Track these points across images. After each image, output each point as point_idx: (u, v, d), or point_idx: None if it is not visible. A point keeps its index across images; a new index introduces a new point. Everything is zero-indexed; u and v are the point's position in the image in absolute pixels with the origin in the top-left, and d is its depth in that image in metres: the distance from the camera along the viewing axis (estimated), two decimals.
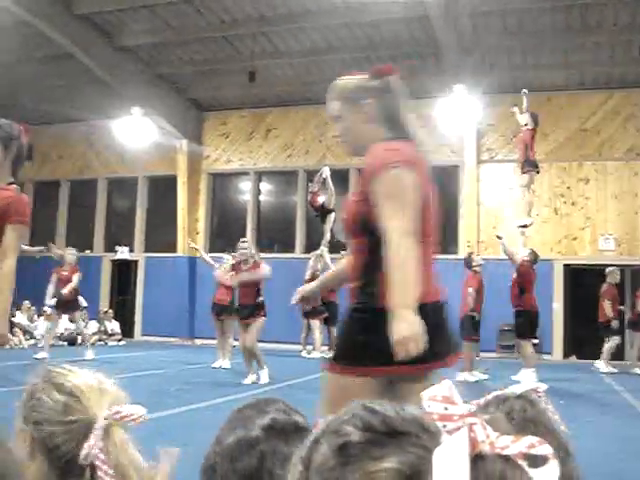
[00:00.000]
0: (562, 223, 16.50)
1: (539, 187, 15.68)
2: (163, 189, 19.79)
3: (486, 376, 11.21)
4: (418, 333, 2.46)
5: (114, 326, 18.41)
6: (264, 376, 10.10)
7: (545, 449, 0.73)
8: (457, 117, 15.98)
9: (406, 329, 2.45)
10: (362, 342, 2.73)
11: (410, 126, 2.96)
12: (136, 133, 17.98)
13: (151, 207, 20.15)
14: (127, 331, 19.07)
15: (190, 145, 18.96)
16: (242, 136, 19.18)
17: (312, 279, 11.99)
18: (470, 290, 11.18)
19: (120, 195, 20.99)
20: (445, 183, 17.78)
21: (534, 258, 11.52)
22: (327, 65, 16.29)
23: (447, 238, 17.64)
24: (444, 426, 0.75)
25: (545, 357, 15.20)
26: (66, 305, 12.78)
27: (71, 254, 13.20)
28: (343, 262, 3.35)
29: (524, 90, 12.76)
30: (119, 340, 18.08)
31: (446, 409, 0.76)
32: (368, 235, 2.75)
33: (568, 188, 16.65)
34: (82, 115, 17.81)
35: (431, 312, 2.74)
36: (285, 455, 1.19)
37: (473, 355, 11.36)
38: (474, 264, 11.45)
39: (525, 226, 12.74)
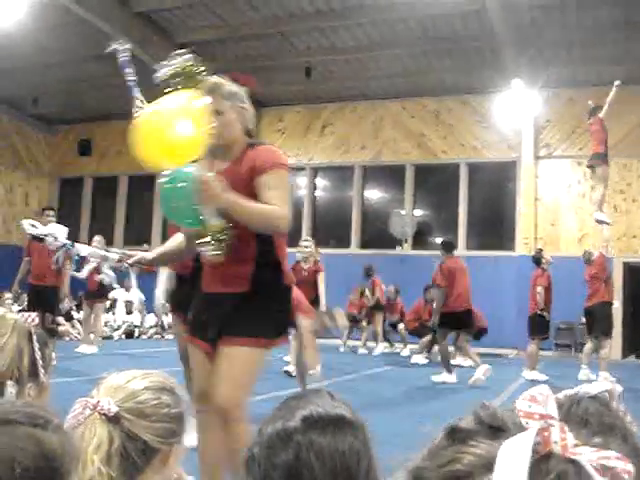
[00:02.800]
0: (622, 220, 16.21)
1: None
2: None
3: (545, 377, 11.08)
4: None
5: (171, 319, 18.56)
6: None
7: (624, 466, 0.72)
8: (515, 112, 15.80)
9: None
10: (273, 316, 3.28)
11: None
12: None
13: None
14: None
15: None
16: (298, 132, 19.24)
17: None
18: (539, 289, 11.03)
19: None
20: (502, 179, 17.64)
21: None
22: (383, 60, 16.25)
23: (504, 235, 17.50)
24: (526, 423, 0.76)
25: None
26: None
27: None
28: (177, 238, 3.59)
29: (617, 82, 12.40)
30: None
31: (529, 407, 0.78)
32: None
33: (628, 185, 16.36)
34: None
35: (286, 293, 3.38)
36: (323, 448, 1.19)
37: (538, 354, 11.26)
38: (544, 261, 11.28)
39: (603, 222, 12.43)
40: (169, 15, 14.96)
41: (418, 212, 18.28)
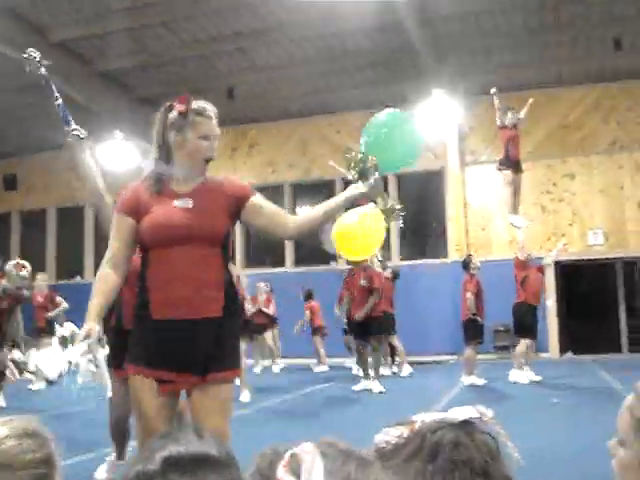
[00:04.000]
0: (550, 220, 16.53)
1: (525, 186, 15.71)
2: None
3: (484, 380, 11.19)
4: None
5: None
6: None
7: None
8: (438, 121, 15.98)
9: None
10: (237, 346, 3.31)
11: None
12: (119, 156, 17.93)
13: None
14: None
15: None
16: (225, 153, 19.15)
17: None
18: (469, 294, 11.12)
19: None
20: (431, 188, 17.83)
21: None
22: (305, 77, 16.31)
23: (436, 242, 17.68)
24: None
25: (542, 355, 15.19)
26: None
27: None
28: (107, 276, 3.29)
29: (492, 89, 12.79)
30: None
31: (283, 475, 0.76)
32: (223, 248, 3.24)
33: (554, 185, 16.69)
34: (62, 142, 17.71)
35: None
36: None
37: (476, 358, 11.37)
38: (472, 267, 11.38)
39: (517, 226, 12.69)
40: (87, 44, 14.77)
41: None
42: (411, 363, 13.68)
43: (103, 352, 3.29)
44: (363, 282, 10.93)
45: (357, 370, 13.81)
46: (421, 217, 17.97)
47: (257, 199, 3.37)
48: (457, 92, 15.68)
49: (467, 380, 11.02)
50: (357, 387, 10.86)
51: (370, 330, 10.93)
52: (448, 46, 14.78)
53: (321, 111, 18.08)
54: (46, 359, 12.14)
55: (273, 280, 15.82)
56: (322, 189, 18.46)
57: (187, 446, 1.17)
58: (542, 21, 14.17)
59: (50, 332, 13.06)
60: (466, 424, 1.17)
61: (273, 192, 18.99)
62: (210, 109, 3.45)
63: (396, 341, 13.43)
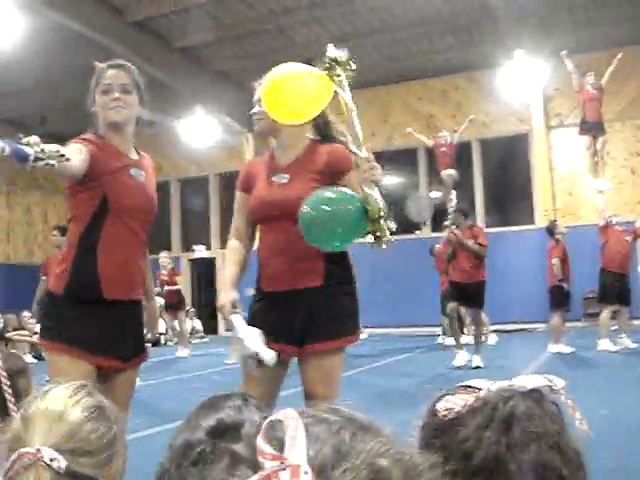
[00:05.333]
0: (639, 183, 15.99)
1: (614, 148, 15.23)
2: (234, 184, 19.85)
3: (571, 349, 10.94)
4: None
5: (196, 324, 18.68)
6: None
7: None
8: (522, 84, 15.59)
9: None
10: (353, 314, 3.23)
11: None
12: (201, 132, 18.15)
13: (223, 203, 20.33)
14: (210, 328, 19.38)
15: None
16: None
17: None
18: (554, 260, 10.86)
19: (192, 194, 21.26)
20: (515, 153, 17.45)
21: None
22: (385, 45, 16.12)
23: (521, 209, 17.32)
24: (262, 463, 0.67)
25: (635, 322, 14.75)
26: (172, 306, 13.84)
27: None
28: (235, 248, 3.38)
29: (563, 52, 12.39)
30: (202, 337, 18.34)
31: (264, 445, 0.68)
32: None
33: None
34: (146, 120, 18.01)
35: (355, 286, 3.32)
36: (234, 459, 1.08)
37: (564, 326, 11.12)
38: (557, 232, 11.10)
39: (599, 190, 12.39)
40: (165, 21, 14.89)
41: (434, 194, 18.12)
42: (497, 332, 13.48)
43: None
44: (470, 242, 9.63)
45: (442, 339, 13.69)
46: (507, 183, 17.63)
47: (351, 177, 3.18)
48: (541, 53, 15.23)
49: (554, 348, 10.79)
50: (456, 362, 9.60)
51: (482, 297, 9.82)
52: (529, 6, 14.33)
53: (401, 78, 17.86)
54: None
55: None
56: (405, 157, 18.30)
57: (231, 414, 1.18)
58: None
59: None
60: (535, 393, 1.10)
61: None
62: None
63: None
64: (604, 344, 10.95)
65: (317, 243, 2.95)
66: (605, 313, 11.19)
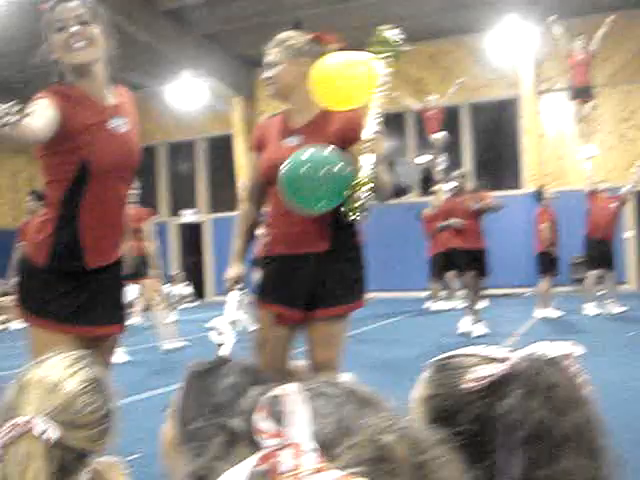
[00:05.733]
0: (629, 149, 15.96)
1: (603, 113, 15.21)
2: (222, 148, 19.79)
3: (559, 313, 11.00)
4: None
5: (185, 289, 18.70)
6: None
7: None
8: (512, 48, 15.51)
9: None
10: (359, 279, 3.25)
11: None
12: (189, 96, 18.00)
13: (211, 168, 20.25)
14: (199, 292, 19.41)
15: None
16: None
17: None
18: (543, 226, 10.88)
19: (180, 159, 21.12)
20: (504, 117, 17.39)
21: None
22: (373, 8, 15.94)
23: (510, 174, 17.31)
24: (261, 441, 0.63)
25: (620, 287, 14.84)
26: None
27: None
28: (248, 213, 3.46)
29: (551, 17, 12.35)
30: (191, 301, 18.38)
31: (262, 422, 0.65)
32: None
33: (632, 112, 16.09)
34: (134, 83, 17.86)
35: (362, 251, 3.33)
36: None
37: (551, 291, 11.15)
38: (545, 197, 11.10)
39: (586, 157, 12.43)
40: None
41: (423, 158, 18.08)
42: (484, 297, 13.53)
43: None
44: (475, 205, 9.36)
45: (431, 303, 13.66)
46: (495, 147, 17.60)
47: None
48: (532, 16, 15.11)
49: (540, 313, 10.85)
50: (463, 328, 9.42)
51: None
52: None
53: None
54: None
55: None
56: (393, 122, 18.20)
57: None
58: None
59: None
60: (559, 361, 1.12)
61: None
62: None
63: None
64: (589, 308, 11.05)
65: (298, 202, 2.95)
66: (590, 278, 11.27)
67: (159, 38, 15.82)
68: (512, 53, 15.77)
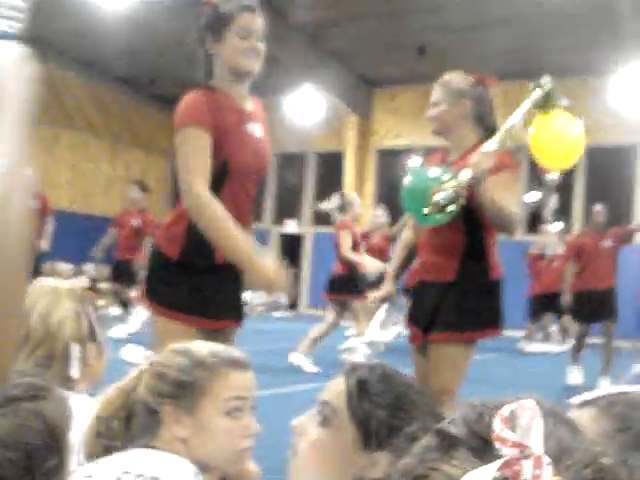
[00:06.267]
0: None
1: None
2: (332, 164, 19.96)
3: None
4: None
5: (281, 297, 18.86)
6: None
7: None
8: (635, 93, 15.16)
9: None
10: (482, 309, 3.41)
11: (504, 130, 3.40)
12: (306, 109, 18.24)
13: (319, 182, 20.42)
14: (293, 303, 19.58)
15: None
16: (411, 112, 19.00)
17: None
18: None
19: (289, 170, 21.38)
20: (620, 164, 16.98)
21: None
22: (498, 40, 15.82)
23: (621, 222, 16.85)
24: (500, 449, 0.66)
25: None
26: None
27: None
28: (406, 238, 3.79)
29: None
30: (284, 310, 18.56)
31: (502, 430, 0.67)
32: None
33: None
34: (254, 91, 18.21)
35: (495, 287, 3.56)
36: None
37: None
38: None
39: None
40: None
41: (533, 196, 17.83)
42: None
43: None
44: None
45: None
46: (608, 194, 17.19)
47: (502, 178, 3.35)
48: None
49: (637, 369, 10.54)
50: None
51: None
52: None
53: (512, 75, 17.53)
54: None
55: None
56: None
57: None
58: None
59: None
60: None
61: None
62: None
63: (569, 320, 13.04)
64: None
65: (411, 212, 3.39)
66: None
67: (285, 50, 16.10)
68: (635, 98, 15.38)
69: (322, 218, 19.91)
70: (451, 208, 3.12)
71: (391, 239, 10.12)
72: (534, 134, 3.54)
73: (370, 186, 19.44)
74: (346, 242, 8.69)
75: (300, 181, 20.86)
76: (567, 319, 13.09)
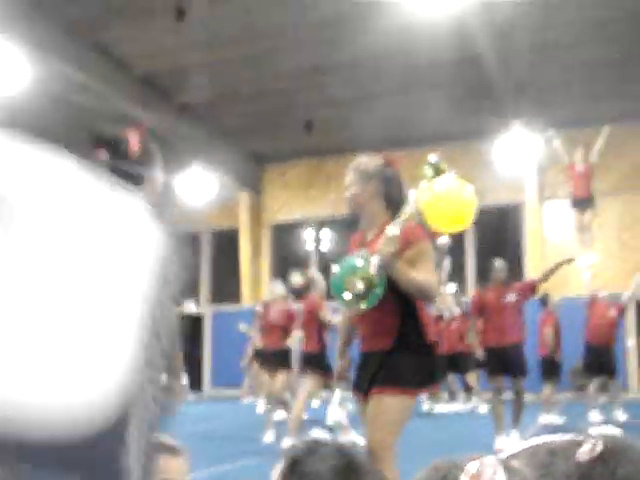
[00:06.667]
0: (630, 257, 16.10)
1: (605, 221, 15.39)
2: (226, 241, 19.95)
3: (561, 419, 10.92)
4: None
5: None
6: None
7: None
8: (516, 155, 15.82)
9: None
10: (416, 367, 3.61)
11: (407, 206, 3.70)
12: (197, 187, 18.24)
13: (215, 260, 20.35)
14: (194, 385, 19.20)
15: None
16: (302, 186, 19.28)
17: None
18: (547, 331, 10.94)
19: (184, 250, 21.20)
20: (507, 223, 17.58)
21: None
22: (382, 111, 16.30)
23: (513, 279, 17.37)
24: None
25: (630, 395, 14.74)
26: None
27: None
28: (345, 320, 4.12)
29: (549, 132, 12.67)
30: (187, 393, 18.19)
31: None
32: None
33: (634, 221, 16.30)
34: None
35: (429, 348, 3.73)
36: None
37: (555, 397, 11.12)
38: (550, 303, 11.22)
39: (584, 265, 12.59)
40: (168, 77, 15.09)
41: None
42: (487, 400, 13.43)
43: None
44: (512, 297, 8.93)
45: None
46: (498, 253, 17.71)
47: (413, 253, 3.62)
48: (536, 125, 15.47)
49: (545, 419, 10.78)
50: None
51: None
52: (528, 78, 14.61)
53: (399, 144, 18.04)
54: None
55: None
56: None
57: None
58: (625, 54, 13.90)
59: None
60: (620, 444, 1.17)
61: (350, 226, 18.98)
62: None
63: (473, 378, 13.27)
64: (593, 415, 10.96)
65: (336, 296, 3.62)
66: (592, 386, 11.21)
67: (174, 131, 16.17)
68: (517, 160, 16.06)
69: (221, 297, 19.83)
70: (371, 295, 3.41)
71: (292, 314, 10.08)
72: (426, 200, 3.77)
73: (266, 261, 19.51)
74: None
75: (196, 261, 20.73)
76: (471, 377, 13.37)
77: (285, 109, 16.43)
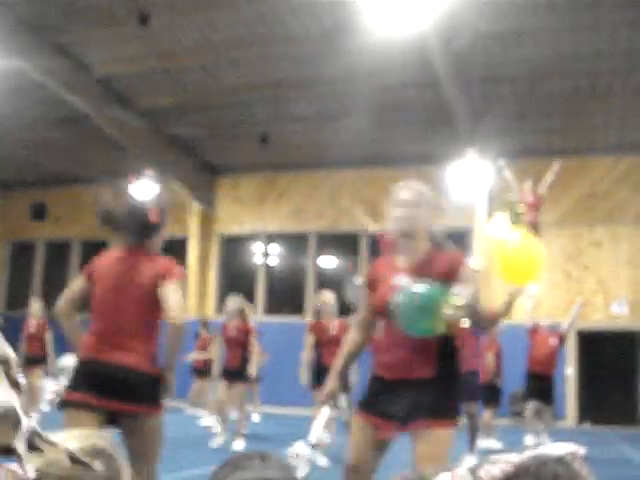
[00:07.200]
0: (573, 287, 16.40)
1: (551, 252, 15.64)
2: (175, 250, 19.78)
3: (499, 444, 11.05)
4: None
5: None
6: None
7: None
8: (469, 182, 16.02)
9: None
10: (454, 399, 3.63)
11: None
12: (147, 195, 18.09)
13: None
14: None
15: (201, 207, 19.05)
16: (254, 199, 19.24)
17: None
18: (489, 356, 11.06)
19: None
20: (456, 247, 17.79)
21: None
22: (339, 130, 16.38)
23: None
24: None
25: (559, 423, 14.95)
26: None
27: None
28: (354, 340, 3.91)
29: (501, 162, 12.91)
30: None
31: None
32: None
33: (580, 252, 16.61)
34: (93, 177, 17.97)
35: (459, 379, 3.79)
36: None
37: (494, 422, 11.26)
38: (492, 330, 11.32)
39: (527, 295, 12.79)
40: (129, 82, 15.00)
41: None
42: None
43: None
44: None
45: None
46: None
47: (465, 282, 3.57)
48: (489, 153, 15.70)
49: (484, 443, 10.88)
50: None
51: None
52: (483, 108, 14.85)
53: (352, 164, 18.14)
54: None
55: (292, 329, 15.73)
56: (347, 242, 18.48)
57: (253, 473, 1.21)
58: (577, 89, 14.22)
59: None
60: (565, 459, 1.19)
61: (298, 240, 19.02)
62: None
63: None
64: (528, 440, 11.11)
65: (411, 328, 3.45)
66: (529, 411, 11.35)
67: (127, 137, 16.06)
68: (468, 186, 16.25)
69: None
70: (461, 321, 3.40)
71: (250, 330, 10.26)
72: (503, 251, 4.04)
73: (213, 272, 19.40)
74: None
75: None
76: None
77: (243, 122, 16.43)
